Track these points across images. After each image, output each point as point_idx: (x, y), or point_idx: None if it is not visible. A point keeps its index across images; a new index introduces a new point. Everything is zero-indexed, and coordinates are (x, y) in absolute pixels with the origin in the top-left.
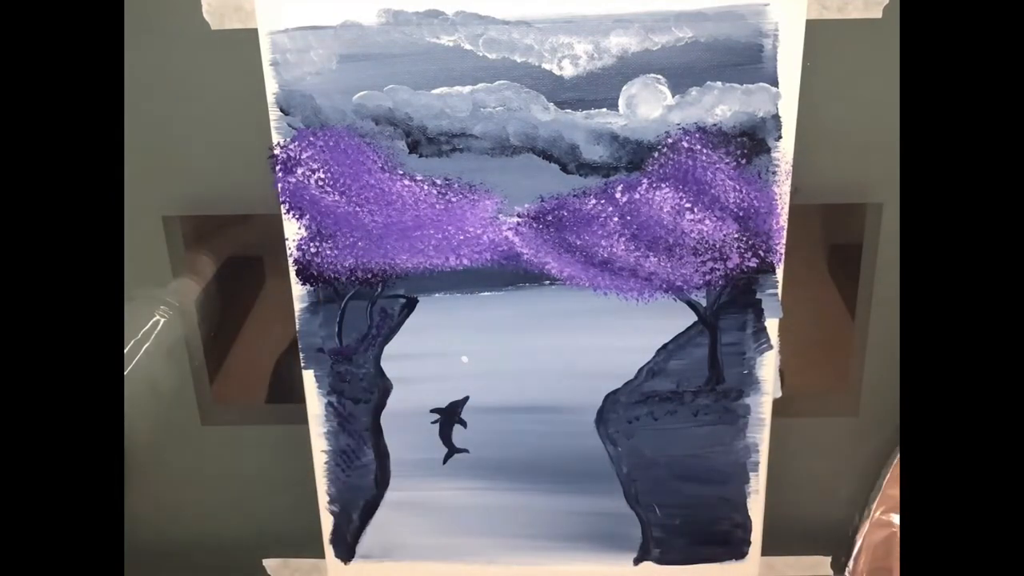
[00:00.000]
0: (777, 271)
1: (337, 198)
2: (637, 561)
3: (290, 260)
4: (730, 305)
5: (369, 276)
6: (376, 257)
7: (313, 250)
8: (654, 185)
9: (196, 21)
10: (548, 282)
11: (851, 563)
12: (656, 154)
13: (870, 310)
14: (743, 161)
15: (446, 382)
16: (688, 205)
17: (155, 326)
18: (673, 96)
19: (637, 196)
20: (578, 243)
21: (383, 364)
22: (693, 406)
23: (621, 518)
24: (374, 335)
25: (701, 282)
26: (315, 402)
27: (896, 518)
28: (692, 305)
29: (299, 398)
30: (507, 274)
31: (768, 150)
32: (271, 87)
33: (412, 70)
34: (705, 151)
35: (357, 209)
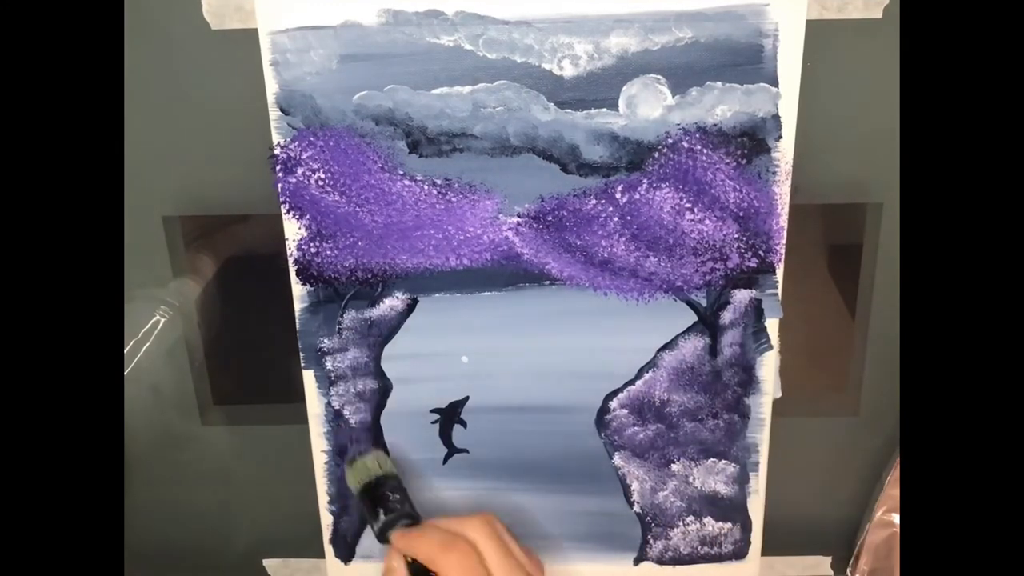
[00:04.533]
0: (777, 271)
1: (337, 198)
2: (637, 561)
3: (290, 260)
4: (730, 305)
5: (369, 276)
6: (376, 257)
7: (313, 250)
8: (654, 185)
9: (196, 21)
10: (548, 282)
11: (852, 563)
12: (656, 154)
13: (870, 310)
14: (743, 161)
15: (446, 382)
16: (688, 205)
17: (155, 326)
18: (673, 96)
19: (637, 196)
20: (578, 243)
21: (383, 364)
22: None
23: (621, 518)
24: (375, 335)
25: (701, 282)
26: (315, 402)
27: (898, 518)
28: (692, 305)
29: (299, 398)
30: (507, 274)
31: (768, 150)
32: (271, 87)
33: (412, 70)
34: (705, 151)
35: (357, 209)
